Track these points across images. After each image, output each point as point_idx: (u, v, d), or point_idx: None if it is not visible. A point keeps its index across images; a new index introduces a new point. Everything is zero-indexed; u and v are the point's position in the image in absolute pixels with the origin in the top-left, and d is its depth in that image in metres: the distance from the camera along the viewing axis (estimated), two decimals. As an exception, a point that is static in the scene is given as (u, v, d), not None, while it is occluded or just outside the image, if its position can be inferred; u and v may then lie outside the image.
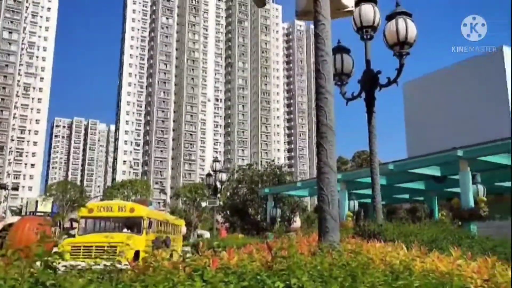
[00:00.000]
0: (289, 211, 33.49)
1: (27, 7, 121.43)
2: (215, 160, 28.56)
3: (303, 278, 2.10)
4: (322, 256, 2.97)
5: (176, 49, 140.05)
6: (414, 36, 8.20)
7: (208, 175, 27.35)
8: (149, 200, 47.62)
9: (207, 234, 36.55)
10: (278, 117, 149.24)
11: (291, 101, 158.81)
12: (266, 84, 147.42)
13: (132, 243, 14.39)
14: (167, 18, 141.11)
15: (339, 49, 9.14)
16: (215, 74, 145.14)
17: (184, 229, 29.79)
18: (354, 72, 9.43)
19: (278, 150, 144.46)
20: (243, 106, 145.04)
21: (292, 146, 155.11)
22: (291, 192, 30.10)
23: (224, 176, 27.35)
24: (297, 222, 34.14)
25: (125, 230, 17.77)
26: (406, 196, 28.56)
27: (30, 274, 1.52)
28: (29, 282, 1.46)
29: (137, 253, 14.34)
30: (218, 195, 28.57)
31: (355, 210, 22.69)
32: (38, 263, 1.66)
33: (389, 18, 8.41)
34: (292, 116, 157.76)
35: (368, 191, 19.83)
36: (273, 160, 43.45)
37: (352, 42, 9.60)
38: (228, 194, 38.94)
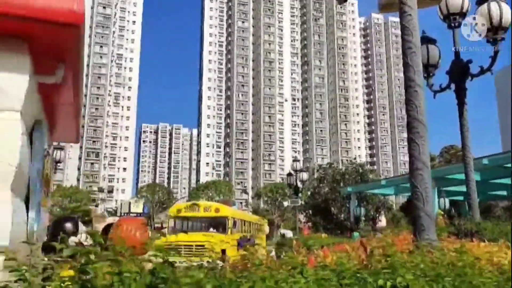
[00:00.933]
0: (374, 210, 32.59)
1: (114, 22, 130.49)
2: (295, 159, 28.56)
3: (407, 277, 2.03)
4: (422, 254, 2.85)
5: (253, 52, 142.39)
6: (510, 20, 7.59)
7: (289, 174, 27.44)
8: (232, 200, 48.79)
9: (290, 234, 36.64)
10: (357, 114, 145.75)
11: (371, 97, 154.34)
12: (344, 81, 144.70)
13: (219, 242, 14.91)
14: (242, 22, 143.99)
15: (424, 40, 8.73)
16: (292, 74, 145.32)
17: (267, 229, 30.16)
18: (441, 63, 8.98)
19: (359, 147, 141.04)
20: (320, 104, 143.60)
21: (374, 143, 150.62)
22: (375, 190, 29.27)
23: (305, 176, 27.26)
24: (382, 222, 33.14)
25: (211, 229, 18.39)
26: (504, 192, 26.46)
27: (148, 269, 1.65)
28: (149, 276, 1.59)
29: (223, 252, 14.78)
30: (299, 194, 28.56)
31: (445, 208, 21.49)
32: (152, 259, 1.79)
33: (480, 2, 7.86)
34: (372, 112, 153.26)
35: (459, 188, 18.66)
36: (355, 158, 42.50)
37: (435, 32, 9.15)
38: (309, 193, 38.77)
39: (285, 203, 57.54)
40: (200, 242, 15.39)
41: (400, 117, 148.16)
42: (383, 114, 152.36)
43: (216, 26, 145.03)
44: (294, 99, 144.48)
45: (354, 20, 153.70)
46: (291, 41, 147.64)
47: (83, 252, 1.55)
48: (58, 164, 18.07)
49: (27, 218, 3.90)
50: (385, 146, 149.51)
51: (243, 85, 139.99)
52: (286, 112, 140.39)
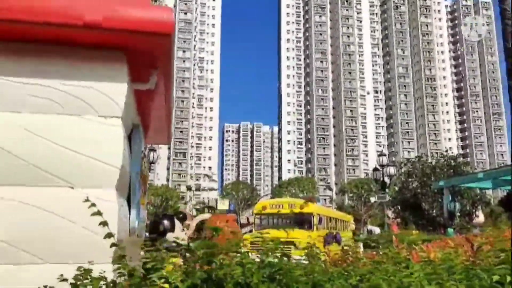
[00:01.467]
0: (470, 205, 30.59)
1: (195, 26, 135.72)
2: (381, 154, 27.69)
3: (526, 273, 1.89)
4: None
5: (331, 46, 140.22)
6: None
7: (375, 169, 26.66)
8: (316, 197, 48.55)
9: (377, 230, 35.64)
10: (446, 103, 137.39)
11: (461, 85, 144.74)
12: (430, 69, 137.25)
13: (317, 237, 14.94)
14: (320, 16, 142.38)
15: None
16: (373, 66, 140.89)
17: (352, 225, 29.60)
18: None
19: (449, 139, 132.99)
20: (405, 95, 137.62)
21: (466, 133, 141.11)
22: (471, 184, 27.32)
23: (392, 170, 26.33)
24: (479, 217, 30.97)
25: (296, 226, 18.41)
26: None
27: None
28: (267, 267, 1.67)
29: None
30: (387, 189, 27.65)
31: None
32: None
33: None
34: (463, 100, 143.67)
35: None
36: (446, 151, 40.20)
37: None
38: (397, 188, 37.40)
39: (372, 199, 56.06)
40: (297, 239, 15.48)
41: (495, 104, 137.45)
42: (476, 102, 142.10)
43: (293, 22, 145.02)
44: (376, 92, 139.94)
45: (440, 4, 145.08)
46: (371, 31, 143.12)
47: (211, 246, 1.68)
48: (151, 165, 19.23)
49: (129, 216, 4.22)
50: (479, 136, 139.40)
51: (322, 80, 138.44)
52: (368, 105, 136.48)
